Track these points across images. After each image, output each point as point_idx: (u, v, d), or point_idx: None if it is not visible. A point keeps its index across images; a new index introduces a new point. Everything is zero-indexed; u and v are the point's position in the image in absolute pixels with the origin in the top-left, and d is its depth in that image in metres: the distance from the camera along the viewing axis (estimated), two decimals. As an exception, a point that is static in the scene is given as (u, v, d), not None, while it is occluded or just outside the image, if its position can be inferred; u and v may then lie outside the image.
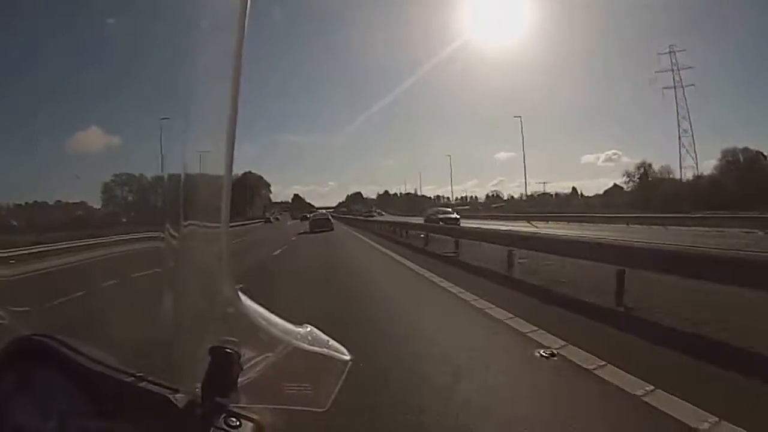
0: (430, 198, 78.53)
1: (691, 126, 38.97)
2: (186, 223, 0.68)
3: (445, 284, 6.72)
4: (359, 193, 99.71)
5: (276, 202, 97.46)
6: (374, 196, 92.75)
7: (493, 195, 68.69)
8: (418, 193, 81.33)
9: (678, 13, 61.00)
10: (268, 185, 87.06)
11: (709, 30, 55.06)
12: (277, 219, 66.40)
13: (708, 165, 44.90)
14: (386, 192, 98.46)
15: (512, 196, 62.68)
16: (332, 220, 28.33)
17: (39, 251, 12.75)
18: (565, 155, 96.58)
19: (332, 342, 0.71)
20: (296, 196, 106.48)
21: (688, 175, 40.23)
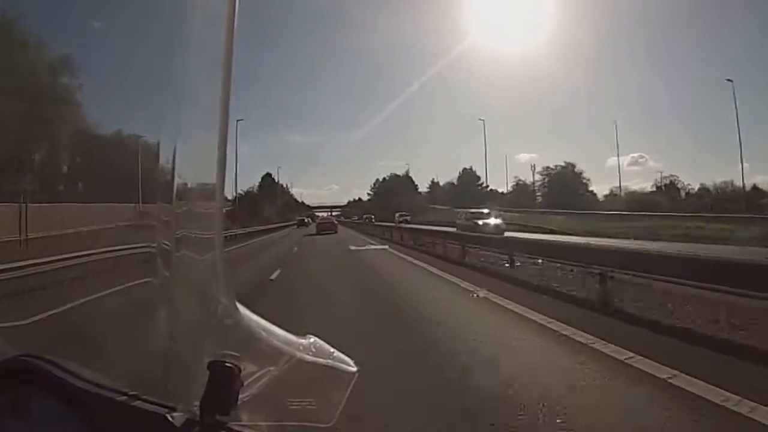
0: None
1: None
2: (179, 231, 0.65)
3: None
4: (398, 177, 55.07)
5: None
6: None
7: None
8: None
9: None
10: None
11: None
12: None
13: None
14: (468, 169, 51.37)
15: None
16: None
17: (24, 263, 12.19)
18: (588, 157, 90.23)
19: (337, 353, 0.68)
20: (267, 176, 52.77)
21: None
